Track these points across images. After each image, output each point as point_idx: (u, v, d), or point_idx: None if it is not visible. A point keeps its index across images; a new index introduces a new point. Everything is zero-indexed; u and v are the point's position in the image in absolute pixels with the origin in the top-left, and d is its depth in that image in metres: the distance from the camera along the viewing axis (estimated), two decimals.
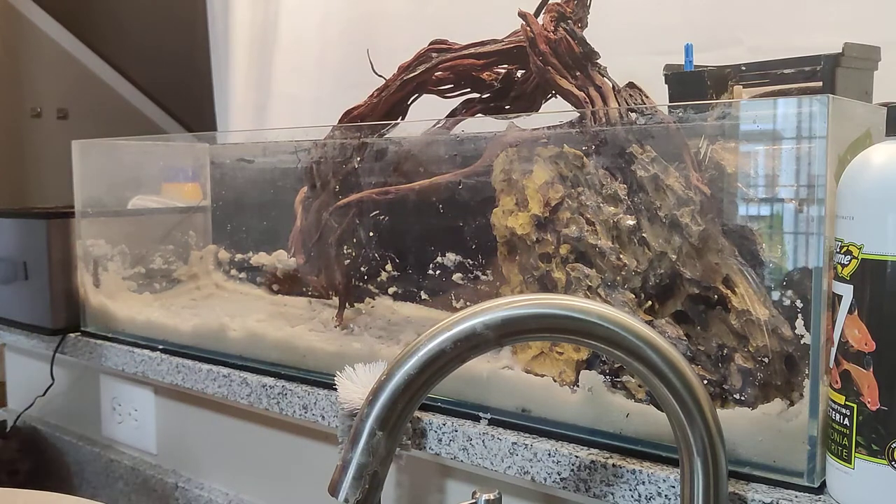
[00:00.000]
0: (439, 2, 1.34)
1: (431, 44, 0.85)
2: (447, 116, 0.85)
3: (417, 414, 0.74)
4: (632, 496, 0.62)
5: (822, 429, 0.57)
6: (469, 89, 0.86)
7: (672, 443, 0.55)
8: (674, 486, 0.59)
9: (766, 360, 0.60)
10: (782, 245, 0.61)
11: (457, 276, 0.87)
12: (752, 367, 0.61)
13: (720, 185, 0.64)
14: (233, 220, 1.20)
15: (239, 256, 1.18)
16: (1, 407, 1.38)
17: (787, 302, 0.60)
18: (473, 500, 0.64)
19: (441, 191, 0.83)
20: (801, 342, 0.59)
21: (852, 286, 0.53)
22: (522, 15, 0.75)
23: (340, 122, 0.89)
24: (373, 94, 0.88)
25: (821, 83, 0.72)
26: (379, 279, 0.95)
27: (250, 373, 0.91)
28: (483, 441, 0.70)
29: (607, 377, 0.67)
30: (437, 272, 0.92)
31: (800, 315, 0.59)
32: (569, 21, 0.73)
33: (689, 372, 0.52)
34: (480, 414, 0.72)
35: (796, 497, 0.56)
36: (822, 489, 0.57)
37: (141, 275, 1.18)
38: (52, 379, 1.19)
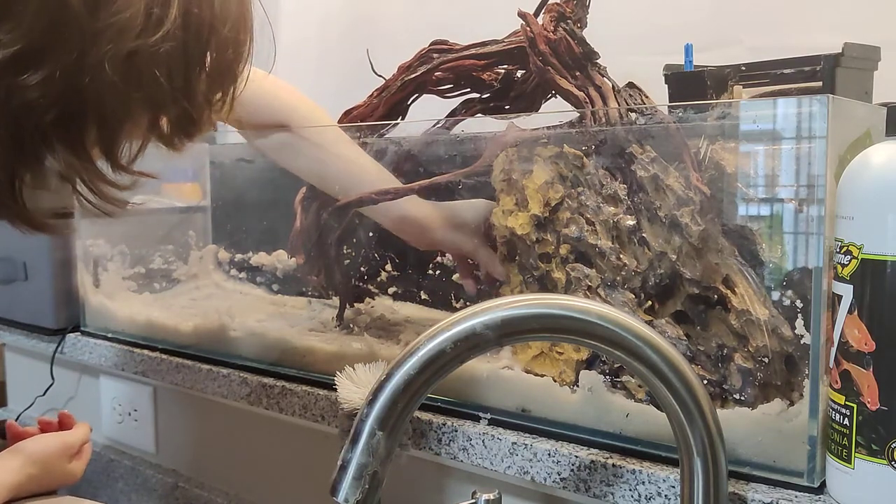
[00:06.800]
0: (439, 2, 1.34)
1: (432, 44, 0.85)
2: (447, 116, 0.85)
3: (417, 414, 0.74)
4: (632, 496, 0.62)
5: (822, 429, 0.57)
6: (469, 89, 0.86)
7: (672, 443, 0.55)
8: (674, 486, 0.59)
9: (765, 360, 0.60)
10: (782, 245, 0.61)
11: (457, 276, 0.87)
12: (751, 367, 0.61)
13: (720, 185, 0.64)
14: (233, 220, 1.20)
15: (239, 256, 1.18)
16: (1, 407, 1.38)
17: (787, 302, 0.60)
18: (473, 500, 0.64)
19: (441, 191, 0.83)
20: (801, 342, 0.59)
21: (852, 286, 0.53)
22: (522, 15, 0.75)
23: (340, 122, 0.89)
24: (373, 94, 0.88)
25: (821, 83, 0.72)
26: (379, 279, 0.95)
27: (250, 373, 0.91)
28: (483, 441, 0.70)
29: (607, 377, 0.67)
30: (437, 272, 0.92)
31: (800, 315, 0.59)
32: (568, 21, 0.73)
33: (689, 372, 0.52)
34: (480, 414, 0.72)
35: (796, 497, 0.56)
36: (822, 489, 0.57)
37: (141, 275, 1.18)
38: (52, 379, 1.19)
